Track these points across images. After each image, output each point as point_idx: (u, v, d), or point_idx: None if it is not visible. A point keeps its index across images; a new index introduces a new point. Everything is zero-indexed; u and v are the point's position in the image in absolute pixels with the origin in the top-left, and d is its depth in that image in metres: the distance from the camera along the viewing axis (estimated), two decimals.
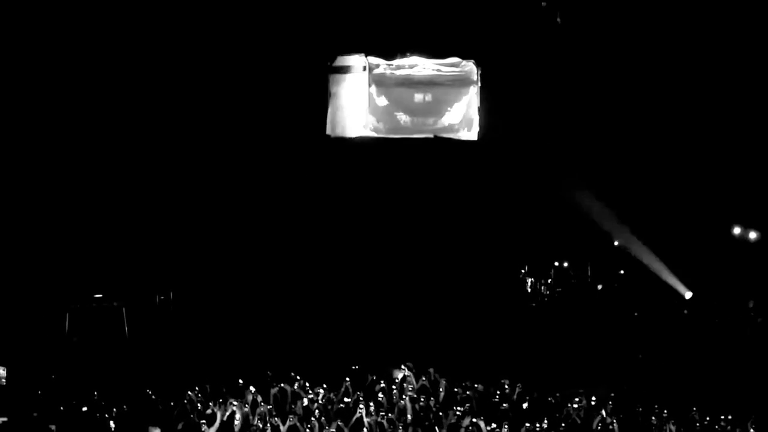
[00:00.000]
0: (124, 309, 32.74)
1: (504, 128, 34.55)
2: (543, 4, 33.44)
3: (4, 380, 28.92)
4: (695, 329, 33.30)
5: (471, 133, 35.17)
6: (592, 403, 27.58)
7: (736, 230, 34.22)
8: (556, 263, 37.17)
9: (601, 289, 36.42)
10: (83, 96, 33.54)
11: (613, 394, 28.26)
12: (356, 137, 35.42)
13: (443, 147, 35.15)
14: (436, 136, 35.19)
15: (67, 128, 33.48)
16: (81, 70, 33.47)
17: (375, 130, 35.45)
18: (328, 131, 35.21)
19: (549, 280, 36.95)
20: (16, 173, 33.02)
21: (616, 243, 35.76)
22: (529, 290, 36.90)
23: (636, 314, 34.49)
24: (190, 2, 33.52)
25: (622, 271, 36.18)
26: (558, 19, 33.35)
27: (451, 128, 35.33)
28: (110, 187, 33.74)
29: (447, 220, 35.16)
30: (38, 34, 32.71)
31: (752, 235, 34.06)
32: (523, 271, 36.86)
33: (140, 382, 29.36)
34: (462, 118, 35.25)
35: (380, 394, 27.92)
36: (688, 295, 34.30)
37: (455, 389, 28.57)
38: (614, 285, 36.23)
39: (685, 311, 34.26)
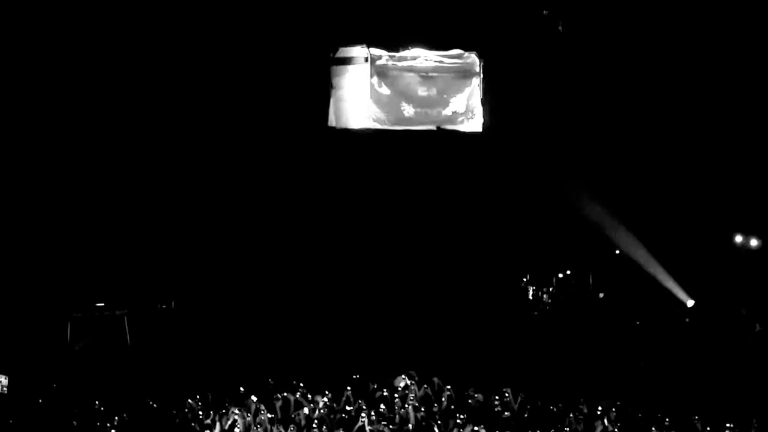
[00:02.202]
0: (126, 317, 32.85)
1: (506, 120, 34.52)
2: (545, 12, 33.47)
3: (5, 389, 28.97)
4: (697, 337, 33.30)
5: (474, 125, 35.13)
6: (597, 412, 27.60)
7: (738, 238, 34.26)
8: (558, 272, 37.11)
9: (603, 297, 36.39)
10: (83, 102, 33.44)
11: (617, 403, 28.28)
12: (359, 128, 35.30)
13: (446, 139, 35.11)
14: (438, 128, 35.13)
15: (66, 137, 33.38)
16: (80, 70, 33.35)
17: (377, 121, 35.34)
18: (331, 123, 35.10)
19: (551, 289, 36.92)
20: (18, 181, 32.97)
21: (617, 251, 35.75)
22: (531, 298, 36.89)
23: (638, 322, 34.49)
24: None
25: (623, 279, 36.17)
26: (560, 28, 33.37)
27: (453, 119, 35.29)
28: (111, 194, 33.69)
29: (448, 223, 35.16)
30: (38, 34, 32.58)
31: (754, 243, 34.11)
32: (524, 279, 36.84)
33: (142, 390, 29.40)
34: (465, 109, 35.20)
35: (382, 405, 27.93)
36: (690, 303, 34.29)
37: (457, 398, 28.62)
38: (616, 293, 36.20)
39: (687, 319, 34.27)
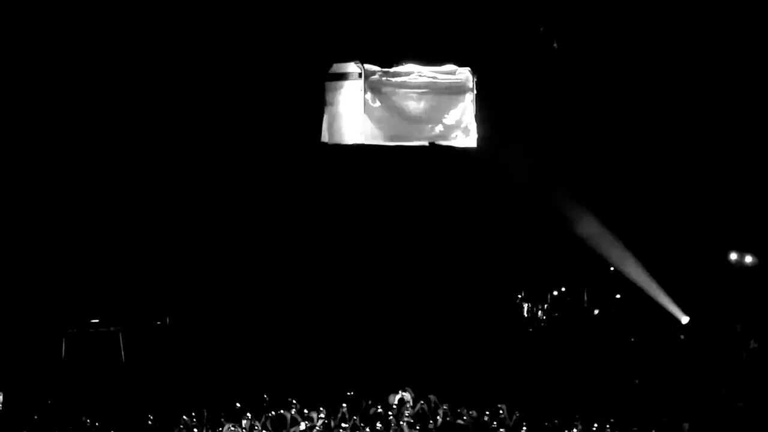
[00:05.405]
0: (120, 334, 32.83)
1: (500, 136, 34.47)
2: (541, 29, 33.51)
3: (0, 405, 28.95)
4: (692, 354, 33.36)
5: (467, 141, 34.95)
6: (593, 429, 27.66)
7: (733, 255, 34.37)
8: (553, 289, 37.17)
9: (598, 314, 36.46)
10: (77, 117, 33.38)
11: (611, 420, 28.34)
12: (352, 144, 35.18)
13: (439, 154, 35.03)
14: (431, 144, 35.04)
15: (60, 154, 33.32)
16: (72, 92, 33.27)
17: (371, 137, 34.98)
18: (324, 139, 34.97)
19: (546, 306, 36.99)
20: (11, 197, 32.89)
21: (612, 268, 35.81)
22: (526, 315, 36.95)
23: (633, 339, 34.56)
24: (185, 13, 33.31)
25: (618, 296, 36.25)
26: (555, 45, 33.40)
27: (447, 135, 35.06)
28: (106, 210, 33.62)
29: (442, 239, 35.20)
30: (38, 34, 32.45)
31: (748, 259, 34.21)
32: (519, 296, 36.90)
33: (137, 406, 29.38)
34: (458, 125, 34.95)
35: (378, 423, 27.92)
36: (685, 320, 34.35)
37: (452, 415, 28.62)
38: (611, 310, 36.28)
39: (682, 336, 34.32)
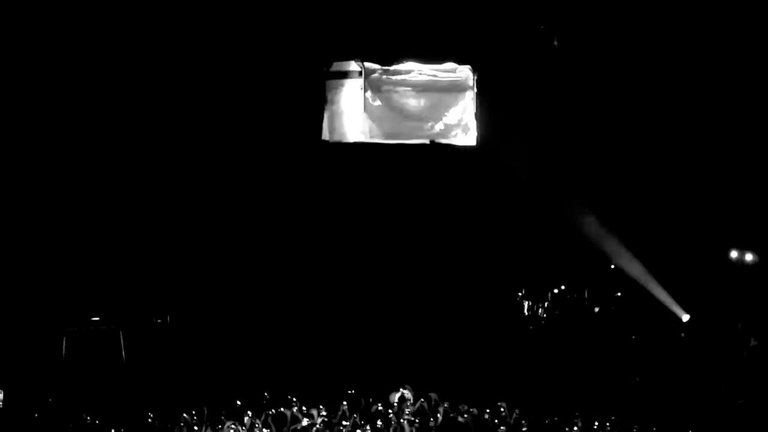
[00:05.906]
0: (121, 332, 32.83)
1: (500, 134, 34.46)
2: (541, 27, 33.49)
3: (0, 403, 28.94)
4: (692, 352, 33.35)
5: (467, 139, 34.94)
6: (594, 427, 27.66)
7: (733, 253, 34.36)
8: (554, 287, 37.12)
9: (598, 311, 36.44)
10: (76, 116, 33.38)
11: (612, 417, 28.35)
12: (353, 142, 35.17)
13: (440, 153, 35.03)
14: (432, 142, 35.00)
15: (60, 153, 33.32)
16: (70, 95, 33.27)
17: (371, 135, 35.03)
18: (325, 137, 34.97)
19: (546, 304, 36.96)
20: (11, 196, 32.91)
21: (613, 266, 35.80)
22: (527, 313, 36.91)
23: (633, 337, 34.55)
24: (185, 12, 33.30)
25: (619, 294, 36.23)
26: (555, 43, 33.38)
27: (447, 133, 35.04)
28: (107, 209, 33.63)
29: (443, 237, 35.19)
30: (38, 35, 32.44)
31: (749, 257, 34.20)
32: (520, 294, 36.88)
33: (137, 404, 29.37)
34: (458, 123, 34.94)
35: (379, 421, 27.93)
36: (686, 317, 34.34)
37: (452, 413, 28.63)
38: (611, 308, 36.25)
39: (683, 334, 34.31)
